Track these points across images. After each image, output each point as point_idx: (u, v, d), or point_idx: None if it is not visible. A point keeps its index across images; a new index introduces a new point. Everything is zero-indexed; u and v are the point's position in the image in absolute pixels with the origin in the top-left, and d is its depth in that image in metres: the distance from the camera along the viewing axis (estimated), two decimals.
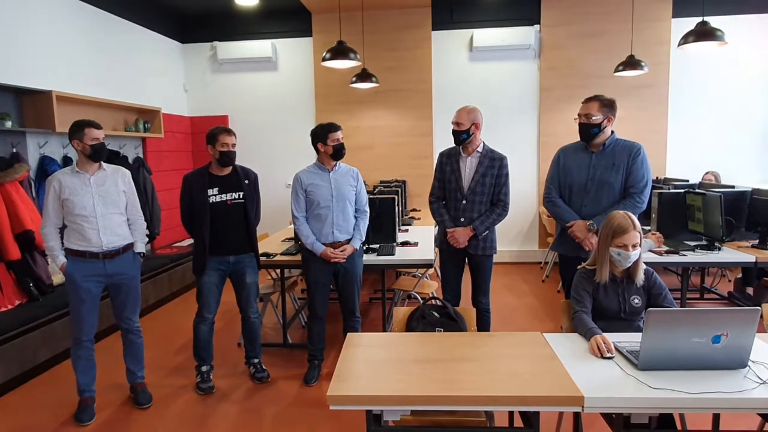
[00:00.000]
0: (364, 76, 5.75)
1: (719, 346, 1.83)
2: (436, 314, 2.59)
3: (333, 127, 3.35)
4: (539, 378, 1.87)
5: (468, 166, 3.39)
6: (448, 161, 3.46)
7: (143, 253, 3.26)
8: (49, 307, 3.92)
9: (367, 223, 3.58)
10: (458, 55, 6.88)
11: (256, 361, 3.64)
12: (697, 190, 4.15)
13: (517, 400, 1.77)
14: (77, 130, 2.98)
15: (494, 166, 3.37)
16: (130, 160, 5.68)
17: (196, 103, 7.33)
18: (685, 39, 4.22)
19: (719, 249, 3.82)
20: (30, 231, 3.90)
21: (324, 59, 4.78)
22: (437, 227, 3.60)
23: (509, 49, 6.71)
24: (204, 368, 3.49)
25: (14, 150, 4.23)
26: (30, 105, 4.44)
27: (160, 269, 5.43)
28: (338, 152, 3.37)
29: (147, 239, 3.41)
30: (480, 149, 3.39)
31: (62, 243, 3.04)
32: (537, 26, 6.66)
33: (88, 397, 3.15)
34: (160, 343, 4.34)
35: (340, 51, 4.70)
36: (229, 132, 3.31)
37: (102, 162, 3.09)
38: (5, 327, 3.53)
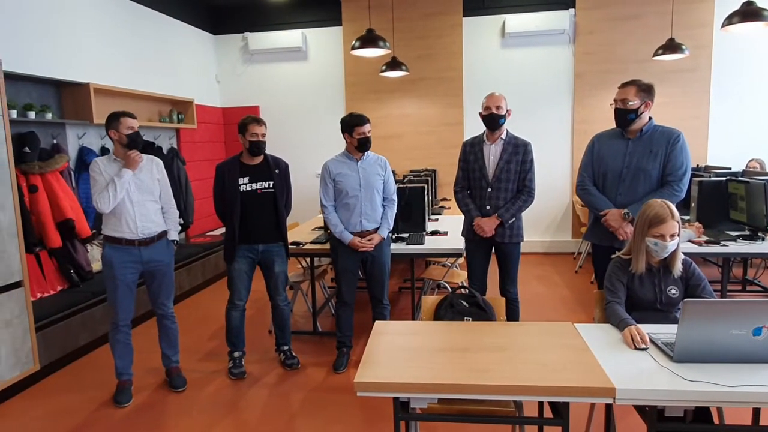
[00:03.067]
0: (393, 64, 5.71)
1: (760, 339, 1.76)
2: (464, 303, 2.57)
3: (361, 120, 3.33)
4: (570, 368, 1.83)
5: (492, 154, 3.35)
6: (472, 150, 3.43)
7: (176, 241, 3.34)
8: (89, 293, 4.06)
9: (395, 212, 3.57)
10: (490, 41, 6.75)
11: (286, 348, 3.69)
12: (740, 178, 3.99)
13: (547, 390, 1.74)
14: (113, 120, 3.07)
15: (518, 152, 3.32)
16: (165, 151, 5.81)
17: (228, 94, 7.42)
18: (729, 20, 4.02)
19: (763, 239, 3.67)
20: (70, 219, 4.04)
21: (353, 48, 4.76)
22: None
23: (543, 35, 6.54)
24: (236, 354, 3.56)
25: (54, 141, 4.37)
26: (69, 97, 4.58)
27: (194, 257, 5.55)
28: (363, 145, 3.37)
29: (180, 228, 3.48)
30: (504, 136, 3.35)
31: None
32: (572, 10, 6.46)
33: (125, 380, 3.26)
34: (194, 329, 4.45)
35: (369, 39, 4.68)
36: (259, 122, 3.34)
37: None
38: (48, 312, 3.68)
